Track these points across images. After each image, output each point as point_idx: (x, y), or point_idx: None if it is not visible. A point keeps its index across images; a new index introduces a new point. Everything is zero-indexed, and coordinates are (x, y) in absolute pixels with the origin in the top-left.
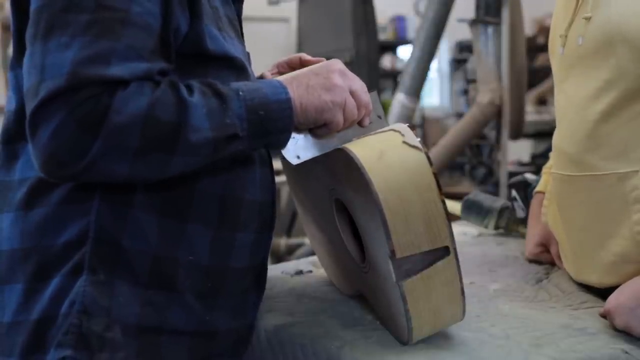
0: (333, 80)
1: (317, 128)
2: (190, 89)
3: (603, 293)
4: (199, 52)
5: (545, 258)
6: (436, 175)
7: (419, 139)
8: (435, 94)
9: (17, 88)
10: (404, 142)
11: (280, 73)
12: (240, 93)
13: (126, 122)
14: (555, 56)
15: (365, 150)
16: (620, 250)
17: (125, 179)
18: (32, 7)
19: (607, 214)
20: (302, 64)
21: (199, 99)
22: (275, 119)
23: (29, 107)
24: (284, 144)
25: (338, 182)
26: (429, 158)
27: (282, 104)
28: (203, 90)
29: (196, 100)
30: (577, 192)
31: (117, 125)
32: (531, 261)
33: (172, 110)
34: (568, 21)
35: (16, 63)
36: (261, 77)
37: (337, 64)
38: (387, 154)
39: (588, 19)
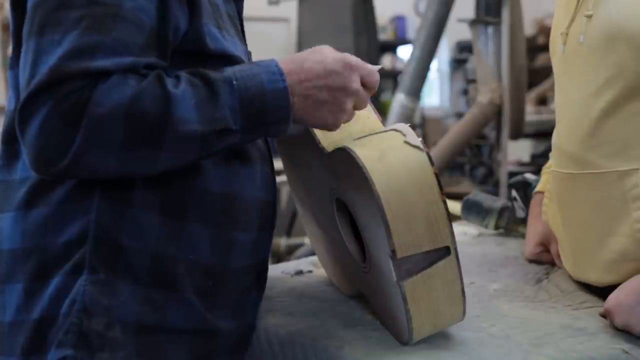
0: (345, 106)
1: None
2: (177, 80)
3: (603, 293)
4: (198, 51)
5: (546, 258)
6: (437, 175)
7: (420, 139)
8: (435, 94)
9: (16, 87)
10: (406, 142)
11: None
12: (234, 82)
13: (107, 114)
14: (556, 54)
15: (366, 150)
16: (620, 248)
17: (114, 174)
18: (28, 5)
19: (607, 212)
20: None
21: (187, 90)
22: (271, 110)
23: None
24: (283, 133)
25: (339, 182)
26: (430, 158)
27: (278, 92)
28: (191, 80)
29: (183, 92)
30: (577, 190)
31: (98, 118)
32: (531, 261)
33: (158, 102)
34: (569, 19)
35: (15, 62)
36: None
37: (356, 82)
38: (388, 154)
39: (589, 16)
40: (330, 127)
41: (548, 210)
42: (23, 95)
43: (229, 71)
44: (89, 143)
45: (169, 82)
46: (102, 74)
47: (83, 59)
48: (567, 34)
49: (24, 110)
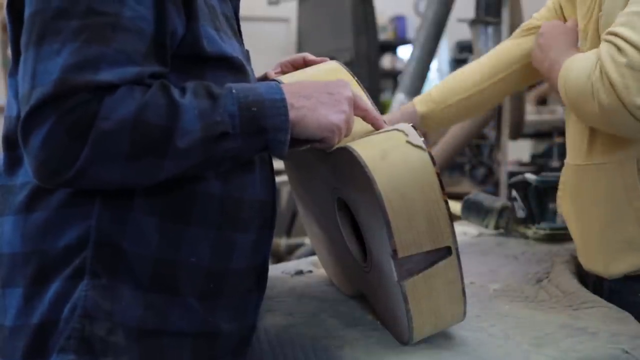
0: (344, 107)
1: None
2: (182, 91)
3: (615, 287)
4: (195, 54)
5: None
6: (439, 175)
7: (422, 139)
8: None
9: (17, 94)
10: (408, 142)
11: (284, 72)
12: (234, 91)
13: (114, 128)
14: None
15: (368, 149)
16: (625, 237)
17: (118, 184)
18: (26, 14)
19: (612, 202)
20: (306, 63)
21: (191, 100)
22: (268, 116)
23: (22, 115)
24: (282, 145)
25: (341, 181)
26: (432, 158)
27: (276, 102)
28: (196, 91)
29: (188, 102)
30: (584, 181)
31: (105, 132)
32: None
33: (162, 113)
34: (588, 16)
35: (14, 70)
36: (264, 76)
37: (349, 89)
38: (390, 154)
39: (601, 17)
40: (335, 126)
41: (562, 202)
42: (26, 106)
43: (229, 84)
44: (95, 156)
45: (175, 92)
46: (107, 87)
47: (86, 71)
48: (586, 31)
49: (27, 121)
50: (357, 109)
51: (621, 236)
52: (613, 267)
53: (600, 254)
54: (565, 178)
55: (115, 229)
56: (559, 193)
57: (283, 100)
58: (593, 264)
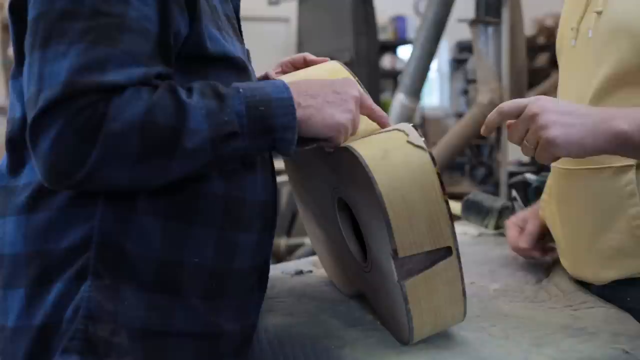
0: (350, 106)
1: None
2: (189, 91)
3: (603, 293)
4: (199, 54)
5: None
6: (440, 175)
7: (423, 139)
8: (435, 94)
9: (21, 96)
10: (408, 142)
11: (284, 72)
12: (241, 90)
13: (123, 129)
14: (564, 49)
15: (369, 149)
16: (616, 244)
17: (126, 186)
18: (30, 17)
19: (603, 208)
20: (307, 63)
21: (198, 101)
22: (276, 115)
23: (29, 118)
24: (290, 144)
25: (341, 181)
26: (433, 158)
27: (283, 101)
28: (203, 91)
29: (195, 102)
30: (575, 186)
31: (114, 133)
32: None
33: (170, 113)
34: (580, 14)
35: (17, 73)
36: (265, 76)
37: (355, 89)
38: (391, 153)
39: (599, 12)
40: (341, 125)
41: (546, 206)
42: (33, 110)
43: (236, 84)
44: (105, 158)
45: (182, 93)
46: (115, 88)
47: (94, 73)
48: (577, 30)
49: (35, 125)
50: (363, 108)
51: (611, 243)
52: (603, 273)
53: (589, 261)
54: (553, 182)
55: (119, 230)
56: (544, 197)
57: (290, 99)
58: (581, 270)
